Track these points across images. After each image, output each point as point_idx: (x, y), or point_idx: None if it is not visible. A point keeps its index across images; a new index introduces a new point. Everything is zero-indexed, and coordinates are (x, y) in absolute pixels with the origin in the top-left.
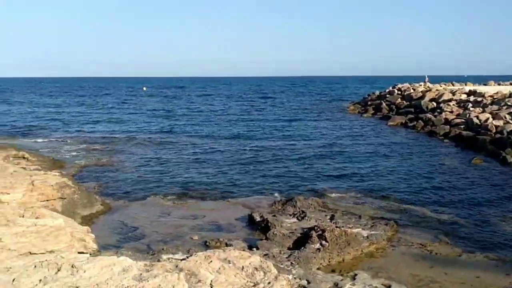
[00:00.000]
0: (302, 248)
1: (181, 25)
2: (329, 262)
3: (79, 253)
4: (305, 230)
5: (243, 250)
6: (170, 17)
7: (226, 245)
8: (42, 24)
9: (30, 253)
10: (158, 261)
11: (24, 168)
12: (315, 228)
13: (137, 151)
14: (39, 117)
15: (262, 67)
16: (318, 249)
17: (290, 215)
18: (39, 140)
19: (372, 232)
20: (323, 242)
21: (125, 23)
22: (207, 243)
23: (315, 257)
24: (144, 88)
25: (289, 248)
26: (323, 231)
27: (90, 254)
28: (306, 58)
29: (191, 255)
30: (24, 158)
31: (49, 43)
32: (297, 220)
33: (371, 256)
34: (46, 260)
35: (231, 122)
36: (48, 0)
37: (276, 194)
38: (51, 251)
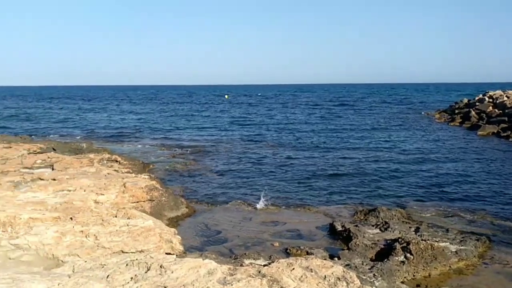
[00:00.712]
0: (385, 260)
1: (258, 35)
2: (414, 276)
3: (166, 253)
4: (388, 241)
5: (325, 259)
6: (251, 27)
7: (307, 253)
8: (135, 36)
9: (122, 252)
10: (241, 265)
11: (117, 171)
12: (399, 240)
13: (220, 157)
14: (128, 123)
15: (340, 73)
16: (402, 262)
17: (373, 225)
18: (130, 144)
19: (461, 248)
20: (408, 254)
21: (208, 34)
22: (288, 250)
23: (399, 270)
24: (226, 96)
25: (371, 260)
26: (408, 243)
27: (177, 255)
28: (388, 64)
29: (273, 262)
30: (116, 161)
31: (140, 55)
32: (380, 231)
33: (460, 273)
34: (136, 259)
35: (311, 131)
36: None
37: (357, 204)
38: (141, 251)
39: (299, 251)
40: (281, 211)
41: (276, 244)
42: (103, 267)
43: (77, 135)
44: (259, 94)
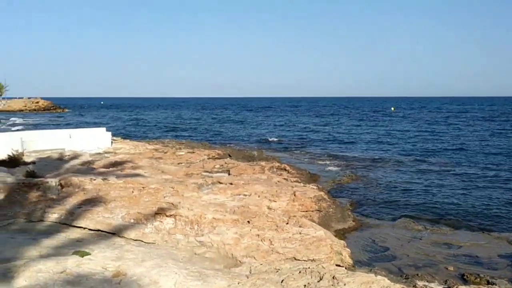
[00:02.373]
0: None
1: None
2: None
3: (336, 265)
4: None
5: None
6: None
7: (488, 282)
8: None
9: (295, 259)
10: (414, 286)
11: (286, 179)
12: None
13: (387, 172)
14: (293, 134)
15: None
16: None
17: None
18: (295, 154)
19: None
20: None
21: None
22: (465, 277)
23: None
24: (392, 108)
25: None
26: None
27: (346, 267)
28: None
29: (449, 287)
30: (285, 170)
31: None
32: None
33: None
34: (309, 267)
35: (486, 148)
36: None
37: None
38: (313, 260)
39: (478, 279)
40: (454, 232)
41: (451, 268)
42: (277, 271)
43: (248, 143)
44: (422, 107)
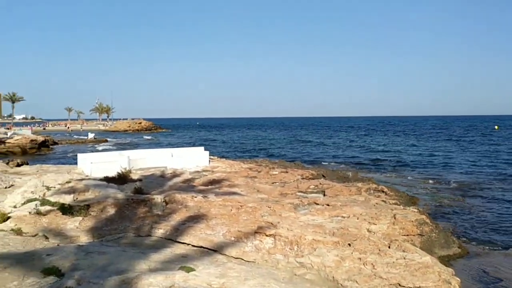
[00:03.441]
0: None
1: None
2: None
3: None
4: None
5: None
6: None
7: None
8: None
9: (399, 285)
10: None
11: (384, 202)
12: None
13: (493, 196)
14: (387, 154)
15: None
16: None
17: None
18: (391, 175)
19: None
20: None
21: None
22: None
23: None
24: (496, 127)
25: None
26: None
27: None
28: None
29: None
30: (383, 192)
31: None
32: None
33: None
34: None
35: None
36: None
37: None
38: (419, 287)
39: None
40: None
41: None
42: None
43: (340, 163)
44: None
